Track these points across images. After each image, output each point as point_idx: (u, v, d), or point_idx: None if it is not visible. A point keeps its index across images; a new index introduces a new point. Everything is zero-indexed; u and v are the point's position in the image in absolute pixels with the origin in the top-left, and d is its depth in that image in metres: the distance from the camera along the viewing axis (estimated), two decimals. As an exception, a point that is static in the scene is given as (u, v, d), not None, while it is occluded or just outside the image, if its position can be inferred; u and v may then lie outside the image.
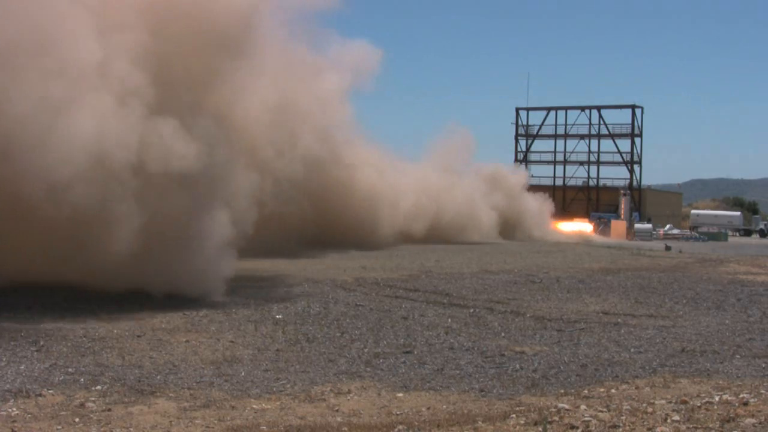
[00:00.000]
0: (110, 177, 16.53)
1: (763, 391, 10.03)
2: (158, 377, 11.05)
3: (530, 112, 76.55)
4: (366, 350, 13.37)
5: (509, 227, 51.40)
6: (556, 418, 8.45)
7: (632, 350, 13.92)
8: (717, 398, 9.37)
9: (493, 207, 50.10)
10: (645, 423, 8.06)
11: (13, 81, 16.04)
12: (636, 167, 71.90)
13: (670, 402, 9.31)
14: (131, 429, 8.67)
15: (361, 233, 36.97)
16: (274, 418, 9.29)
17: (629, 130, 71.53)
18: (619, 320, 17.16)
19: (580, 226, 61.01)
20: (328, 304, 18.06)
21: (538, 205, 56.83)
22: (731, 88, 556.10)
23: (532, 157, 77.28)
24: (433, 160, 50.16)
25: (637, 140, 71.71)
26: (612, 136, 72.27)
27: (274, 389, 10.65)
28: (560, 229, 57.83)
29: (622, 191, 67.57)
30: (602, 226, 61.36)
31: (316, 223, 34.96)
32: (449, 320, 16.58)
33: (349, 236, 36.16)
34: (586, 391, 10.71)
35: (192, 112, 18.90)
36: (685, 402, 9.19)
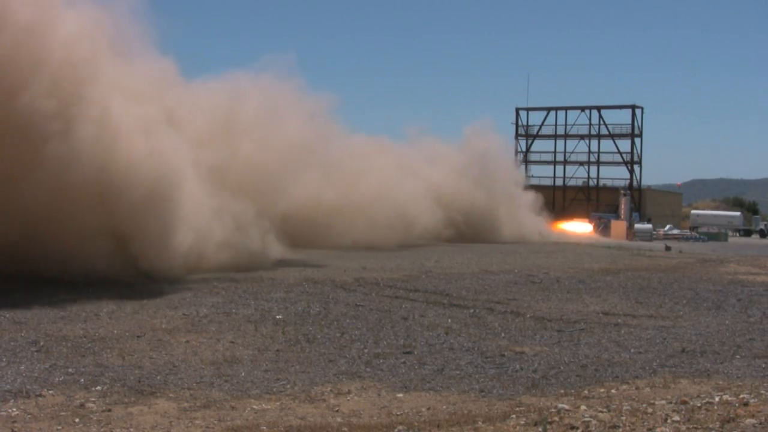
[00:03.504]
0: None
1: (763, 392, 10.03)
2: (158, 377, 11.05)
3: (530, 112, 76.50)
4: (366, 350, 13.36)
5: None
6: (556, 419, 8.46)
7: (632, 350, 13.91)
8: (717, 398, 9.37)
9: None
10: (645, 423, 8.06)
11: None
12: (636, 167, 71.89)
13: (671, 402, 9.31)
14: (131, 429, 8.67)
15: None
16: (274, 418, 9.29)
17: (629, 130, 71.49)
18: (620, 320, 17.15)
19: (581, 227, 60.95)
20: (328, 304, 18.06)
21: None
22: (731, 88, 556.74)
23: (532, 157, 77.30)
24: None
25: (637, 140, 71.69)
26: (612, 136, 72.24)
27: (274, 389, 10.65)
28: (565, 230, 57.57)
29: (622, 191, 67.52)
30: (602, 226, 61.34)
31: None
32: (449, 320, 16.57)
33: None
34: (586, 392, 10.71)
35: None
36: (685, 402, 9.19)
